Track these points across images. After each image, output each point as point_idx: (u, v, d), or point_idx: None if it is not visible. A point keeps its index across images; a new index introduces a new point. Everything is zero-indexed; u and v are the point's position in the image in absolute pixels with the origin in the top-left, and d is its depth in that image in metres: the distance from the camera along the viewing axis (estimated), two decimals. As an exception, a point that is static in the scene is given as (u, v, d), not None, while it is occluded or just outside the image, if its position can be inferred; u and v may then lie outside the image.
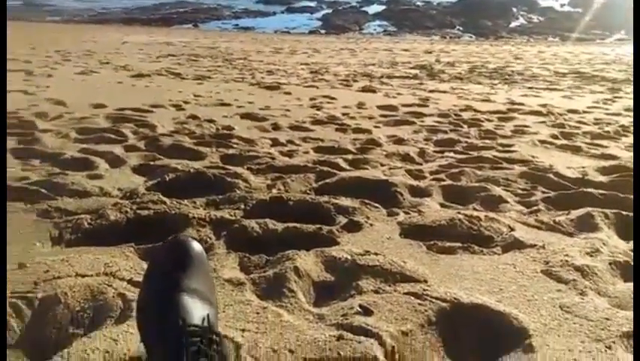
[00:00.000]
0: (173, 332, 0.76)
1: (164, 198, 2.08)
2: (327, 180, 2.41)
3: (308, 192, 2.30)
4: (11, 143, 3.09)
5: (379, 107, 4.93)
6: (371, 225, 1.88)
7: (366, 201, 2.13)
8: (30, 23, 21.81)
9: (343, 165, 2.78)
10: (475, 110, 4.86)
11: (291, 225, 1.81)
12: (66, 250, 1.61)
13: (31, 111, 4.15)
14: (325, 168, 2.63)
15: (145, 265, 1.49)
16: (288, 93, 5.72)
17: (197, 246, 0.94)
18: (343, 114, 4.51)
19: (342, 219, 1.92)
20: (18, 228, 1.78)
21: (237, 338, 1.09)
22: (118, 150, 3.00)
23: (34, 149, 2.95)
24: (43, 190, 2.15)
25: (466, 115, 4.61)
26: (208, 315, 0.81)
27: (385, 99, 5.50)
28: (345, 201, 2.09)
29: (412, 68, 9.24)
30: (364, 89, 6.24)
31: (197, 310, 0.82)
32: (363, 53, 12.51)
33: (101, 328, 1.16)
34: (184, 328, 0.76)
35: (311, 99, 5.30)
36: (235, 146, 3.21)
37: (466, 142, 3.52)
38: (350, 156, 2.99)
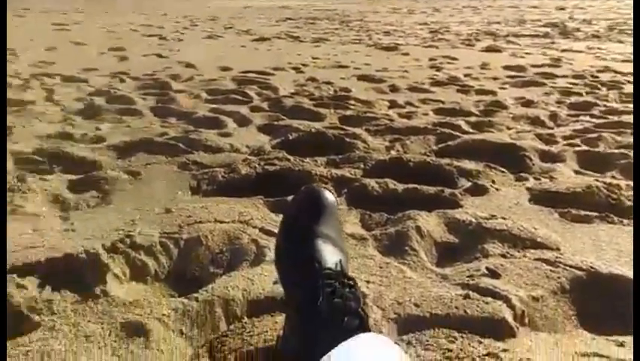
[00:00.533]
0: (310, 274, 0.80)
1: (288, 156, 2.17)
2: (449, 143, 2.35)
3: (428, 154, 2.26)
4: (150, 102, 3.38)
5: (505, 68, 4.64)
6: (497, 189, 1.81)
7: (491, 164, 2.04)
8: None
9: (465, 127, 2.68)
10: (615, 72, 4.39)
11: (411, 186, 1.80)
12: (204, 199, 1.75)
13: (166, 73, 4.49)
14: (446, 130, 2.55)
15: (274, 216, 1.58)
16: (406, 54, 5.58)
17: (329, 195, 0.98)
18: (465, 75, 4.31)
19: (465, 183, 1.87)
20: (161, 178, 1.96)
21: (362, 289, 1.12)
22: (244, 110, 3.15)
23: (170, 108, 3.20)
24: (181, 145, 2.34)
25: (604, 77, 4.18)
26: (341, 260, 0.85)
27: (512, 59, 5.16)
28: (468, 164, 2.03)
29: (541, 26, 8.53)
30: (488, 49, 5.90)
31: (330, 255, 0.85)
32: (486, 11, 11.77)
33: (238, 269, 1.25)
34: (320, 270, 0.80)
35: (430, 60, 5.13)
36: (352, 107, 3.22)
37: (605, 105, 3.20)
38: (473, 119, 2.87)
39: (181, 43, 6.47)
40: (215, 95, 3.59)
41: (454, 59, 5.20)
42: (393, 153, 2.25)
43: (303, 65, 4.92)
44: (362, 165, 2.03)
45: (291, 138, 2.47)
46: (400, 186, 1.80)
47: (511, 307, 1.07)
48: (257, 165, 2.04)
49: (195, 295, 1.10)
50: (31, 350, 0.92)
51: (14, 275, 1.14)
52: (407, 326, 1.01)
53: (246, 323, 1.03)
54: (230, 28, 8.29)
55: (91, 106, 3.16)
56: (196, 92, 3.68)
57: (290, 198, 1.71)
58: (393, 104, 3.33)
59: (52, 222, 1.53)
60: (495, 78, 4.20)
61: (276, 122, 2.86)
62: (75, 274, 1.19)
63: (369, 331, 0.71)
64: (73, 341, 0.95)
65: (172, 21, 9.20)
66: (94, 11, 11.00)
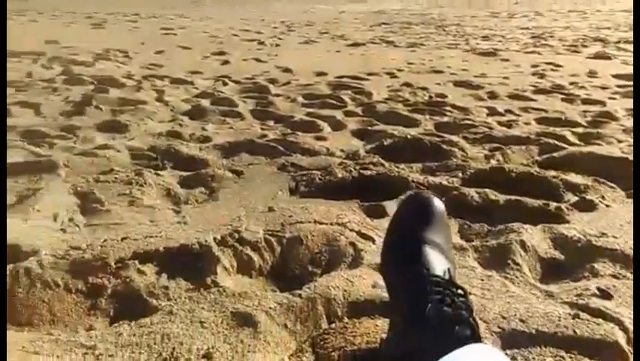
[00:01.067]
0: (418, 280, 0.81)
1: (383, 161, 2.18)
2: (554, 154, 2.24)
3: (531, 165, 2.17)
4: (251, 105, 3.53)
5: (615, 77, 4.34)
6: (607, 205, 1.70)
7: (600, 179, 1.93)
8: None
9: (571, 138, 2.55)
10: None
11: (513, 197, 1.74)
12: (302, 200, 1.80)
13: (265, 77, 4.66)
14: (550, 141, 2.44)
15: (369, 221, 1.60)
16: (506, 60, 5.38)
17: (438, 202, 0.97)
18: (571, 83, 4.08)
19: (572, 197, 1.78)
20: (263, 177, 2.05)
21: (464, 300, 1.11)
22: (339, 114, 3.21)
23: (269, 111, 3.33)
24: (280, 147, 2.42)
25: None
26: (449, 269, 0.85)
27: (623, 67, 4.81)
28: (575, 178, 1.92)
29: (658, 30, 7.85)
30: (596, 56, 5.54)
31: (439, 263, 0.85)
32: (595, 16, 11.04)
33: (337, 270, 1.29)
34: (428, 277, 0.81)
35: (532, 66, 4.91)
36: (449, 114, 3.17)
37: None
38: (579, 130, 2.71)
39: (278, 48, 6.68)
40: (311, 100, 3.68)
41: (559, 65, 4.94)
42: (493, 162, 2.18)
43: (398, 70, 4.91)
44: (460, 174, 1.99)
45: (385, 143, 2.48)
46: (502, 197, 1.75)
47: (624, 330, 1.01)
48: (352, 169, 2.07)
49: (298, 291, 1.14)
50: (152, 330, 1.00)
51: (135, 261, 1.25)
52: (512, 342, 0.99)
53: (347, 323, 1.06)
54: (326, 33, 8.43)
55: (197, 107, 3.36)
56: (293, 96, 3.80)
57: (385, 202, 1.74)
58: (492, 112, 3.23)
59: (166, 214, 1.66)
60: (604, 87, 3.94)
61: (370, 128, 2.88)
62: (188, 264, 1.28)
63: (481, 341, 0.71)
64: (189, 325, 1.02)
65: (270, 26, 9.52)
66: (197, 17, 11.64)
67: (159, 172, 2.02)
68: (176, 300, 1.15)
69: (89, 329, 1.10)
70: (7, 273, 1.15)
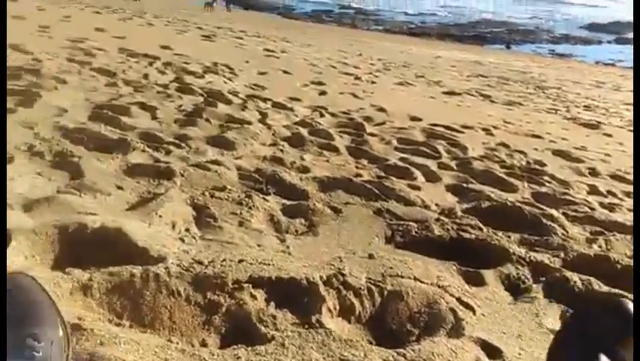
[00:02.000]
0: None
1: (481, 225, 2.17)
2: (662, 251, 2.14)
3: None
4: (346, 141, 3.63)
5: None
6: None
7: None
8: (354, 30, 24.83)
9: (681, 236, 2.42)
10: None
11: (619, 292, 1.68)
12: (399, 252, 1.83)
13: (360, 114, 4.77)
14: (658, 236, 2.33)
15: (469, 288, 1.60)
16: (609, 135, 5.19)
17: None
18: (680, 173, 3.87)
19: (683, 303, 1.69)
20: (359, 219, 2.10)
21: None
22: (433, 165, 3.23)
23: (363, 150, 3.40)
24: (375, 190, 2.47)
25: None
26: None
27: None
28: (686, 282, 1.83)
29: None
30: None
31: None
32: None
33: (437, 335, 1.30)
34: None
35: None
36: (547, 184, 3.10)
37: None
38: (690, 228, 2.57)
39: (374, 85, 6.82)
40: (405, 145, 3.72)
41: (667, 151, 4.69)
42: (595, 247, 2.12)
43: (494, 127, 4.86)
44: (562, 254, 1.95)
45: (483, 206, 2.47)
46: (605, 289, 1.69)
47: None
48: (450, 228, 2.08)
49: (403, 350, 1.17)
50: None
51: (250, 285, 1.33)
52: None
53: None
54: (422, 77, 8.50)
55: (297, 135, 3.49)
56: (387, 138, 3.86)
57: (484, 271, 1.73)
58: (593, 190, 3.12)
59: (272, 240, 1.74)
60: None
61: (465, 185, 2.88)
62: (295, 297, 1.34)
63: None
64: (300, 362, 1.08)
65: (367, 62, 9.73)
66: (299, 43, 12.09)
67: (265, 197, 2.12)
68: (284, 332, 1.20)
69: (202, 344, 1.18)
70: (139, 274, 1.26)
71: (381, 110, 5.14)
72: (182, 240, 1.61)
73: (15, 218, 1.49)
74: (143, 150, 2.51)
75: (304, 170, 2.70)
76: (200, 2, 23.56)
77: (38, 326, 0.83)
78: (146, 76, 4.77)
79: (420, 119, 4.79)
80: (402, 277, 1.54)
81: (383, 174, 2.88)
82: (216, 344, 1.19)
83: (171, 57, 6.30)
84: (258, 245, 1.67)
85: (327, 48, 11.83)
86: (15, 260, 1.30)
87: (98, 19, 9.35)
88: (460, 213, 2.34)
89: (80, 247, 1.40)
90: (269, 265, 1.43)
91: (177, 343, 1.13)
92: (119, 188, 1.99)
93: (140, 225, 1.62)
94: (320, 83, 6.27)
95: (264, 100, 4.64)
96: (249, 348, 1.11)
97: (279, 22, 24.31)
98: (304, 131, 3.62)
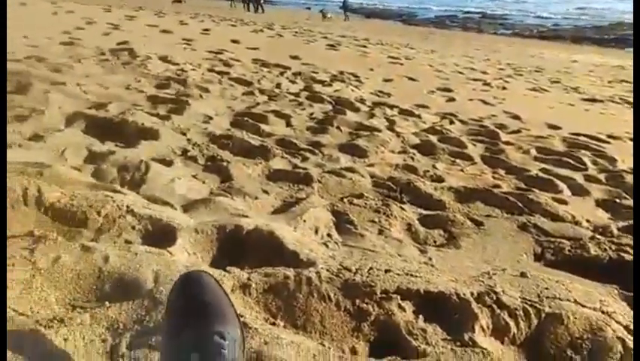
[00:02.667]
0: None
1: (643, 246, 1.94)
2: None
3: None
4: (480, 149, 3.48)
5: None
6: None
7: None
8: (480, 35, 23.86)
9: None
10: None
11: None
12: (552, 271, 1.70)
13: (492, 121, 4.55)
14: None
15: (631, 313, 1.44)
16: None
17: None
18: None
19: None
20: (503, 234, 1.99)
21: None
22: (579, 177, 2.97)
23: (500, 159, 3.23)
24: (519, 203, 2.33)
25: None
26: None
27: None
28: None
29: None
30: None
31: None
32: None
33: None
34: None
35: None
36: None
37: None
38: None
39: (505, 92, 6.48)
40: (546, 155, 3.47)
41: None
42: None
43: (648, 139, 4.36)
44: None
45: (643, 225, 2.21)
46: None
47: None
48: (608, 248, 1.89)
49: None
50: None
51: (398, 296, 1.31)
52: None
53: None
54: (557, 82, 7.92)
55: (426, 142, 3.42)
56: (525, 147, 3.63)
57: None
58: None
59: (412, 251, 1.71)
60: None
61: (617, 201, 2.61)
62: (445, 312, 1.29)
63: None
64: (458, 382, 1.03)
65: (495, 67, 9.30)
66: (422, 49, 11.91)
67: (402, 206, 2.09)
68: (434, 346, 1.17)
69: (352, 351, 1.18)
70: (292, 277, 1.29)
71: (515, 117, 4.87)
72: (326, 245, 1.64)
73: (178, 217, 1.62)
74: (282, 157, 2.61)
75: (438, 179, 2.63)
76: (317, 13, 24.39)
77: (223, 325, 0.88)
78: (278, 85, 4.98)
79: (559, 128, 4.46)
80: (560, 299, 1.41)
81: (524, 186, 2.72)
82: (365, 353, 1.18)
83: (300, 67, 6.53)
84: (400, 255, 1.64)
85: (453, 54, 11.51)
86: (180, 256, 1.40)
87: (233, 32, 10.00)
88: (616, 232, 2.12)
89: (237, 247, 1.47)
90: (416, 276, 1.39)
91: (329, 348, 1.14)
92: (265, 192, 2.08)
93: (287, 228, 1.68)
94: (447, 90, 6.10)
95: (391, 107, 4.62)
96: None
97: (402, 29, 24.17)
98: (434, 139, 3.53)
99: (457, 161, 3.10)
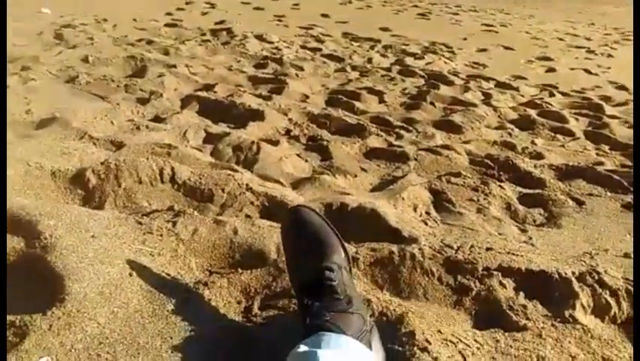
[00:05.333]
0: None
1: None
2: None
3: None
4: (582, 124, 3.35)
5: None
6: None
7: None
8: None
9: None
10: None
11: None
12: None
13: (596, 93, 4.32)
14: None
15: None
16: None
17: None
18: None
19: None
20: (606, 213, 1.96)
21: None
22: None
23: (604, 134, 3.10)
24: (624, 182, 2.25)
25: None
26: None
27: None
28: None
29: None
30: None
31: None
32: None
33: None
34: None
35: None
36: None
37: None
38: None
39: (611, 60, 6.06)
40: (656, 129, 3.27)
41: None
42: None
43: None
44: None
45: None
46: None
47: None
48: None
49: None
50: (527, 348, 1.11)
51: (499, 273, 1.37)
52: None
53: None
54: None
55: (525, 117, 3.34)
56: (631, 120, 3.44)
57: None
58: None
59: (512, 230, 1.75)
60: None
61: None
62: (546, 291, 1.35)
63: None
64: (560, 355, 1.10)
65: (600, 33, 8.65)
66: (519, 15, 11.29)
67: (501, 184, 2.11)
68: (535, 322, 1.23)
69: (450, 324, 1.28)
70: (397, 252, 1.41)
71: (622, 88, 4.58)
72: (426, 223, 1.73)
73: (289, 194, 1.78)
74: (378, 135, 2.70)
75: (538, 156, 2.60)
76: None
77: (329, 257, 1.08)
78: (369, 60, 5.02)
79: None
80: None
81: (630, 163, 2.61)
82: (468, 325, 1.27)
83: (390, 39, 6.50)
84: (500, 234, 1.70)
85: (553, 18, 10.80)
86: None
87: (321, 5, 10.06)
88: None
89: (344, 223, 1.60)
90: (517, 255, 1.45)
91: (440, 321, 1.24)
92: (363, 170, 2.20)
93: (388, 205, 1.78)
94: (546, 59, 5.82)
95: (487, 79, 4.52)
96: (507, 334, 1.16)
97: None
98: (533, 113, 3.44)
99: (558, 136, 3.02)
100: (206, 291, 1.19)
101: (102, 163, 1.70)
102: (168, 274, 1.24)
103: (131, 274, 1.16)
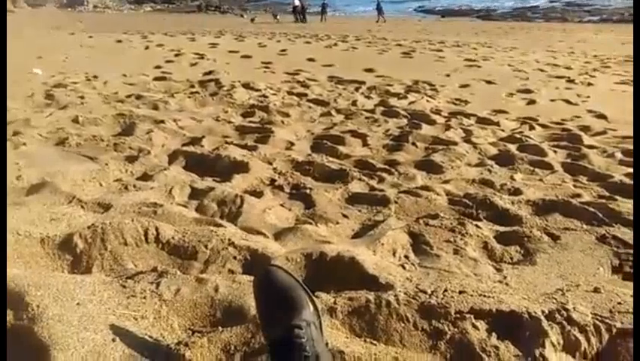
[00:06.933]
0: None
1: None
2: None
3: None
4: (560, 156, 3.44)
5: None
6: None
7: None
8: (564, 24, 22.60)
9: None
10: None
11: None
12: (626, 283, 1.73)
13: (576, 123, 4.44)
14: None
15: None
16: None
17: None
18: None
19: None
20: (580, 247, 2.02)
21: None
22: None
23: (582, 166, 3.19)
24: (599, 214, 2.33)
25: None
26: None
27: None
28: None
29: None
30: None
31: None
32: None
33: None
34: None
35: None
36: None
37: None
38: None
39: (591, 88, 6.23)
40: (632, 157, 3.36)
41: None
42: None
43: None
44: None
45: None
46: None
47: None
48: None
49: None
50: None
51: (471, 316, 1.43)
52: None
53: None
54: (650, 71, 7.45)
55: (505, 153, 3.44)
56: (609, 150, 3.54)
57: None
58: None
59: (488, 270, 1.81)
60: None
61: None
62: (516, 330, 1.40)
63: None
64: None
65: (580, 61, 8.90)
66: (501, 47, 11.61)
67: (478, 223, 2.18)
68: (507, 364, 1.28)
69: (430, 367, 1.32)
70: (373, 300, 1.46)
71: (601, 116, 4.72)
72: (404, 267, 1.79)
73: (271, 246, 1.84)
74: (360, 179, 2.78)
75: (516, 192, 2.67)
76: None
77: (298, 314, 1.14)
78: (354, 102, 5.17)
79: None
80: (632, 313, 1.47)
81: (607, 194, 2.69)
82: (443, 369, 1.32)
83: (375, 80, 6.68)
84: (475, 274, 1.75)
85: (534, 49, 11.12)
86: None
87: (308, 50, 10.36)
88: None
89: (322, 273, 1.67)
90: (489, 297, 1.50)
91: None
92: (345, 216, 2.27)
93: (367, 252, 1.85)
94: (527, 91, 5.99)
95: (468, 116, 4.65)
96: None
97: (479, 27, 23.55)
98: (513, 148, 3.55)
99: (537, 170, 3.11)
100: (188, 352, 1.24)
101: (89, 227, 1.77)
102: (151, 337, 1.29)
103: (114, 340, 1.21)
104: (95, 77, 6.02)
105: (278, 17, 26.21)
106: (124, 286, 1.45)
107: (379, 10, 26.51)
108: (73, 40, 11.67)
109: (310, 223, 2.14)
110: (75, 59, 7.82)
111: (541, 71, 7.67)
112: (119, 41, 11.13)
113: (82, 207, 2.08)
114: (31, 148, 2.96)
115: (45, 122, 3.60)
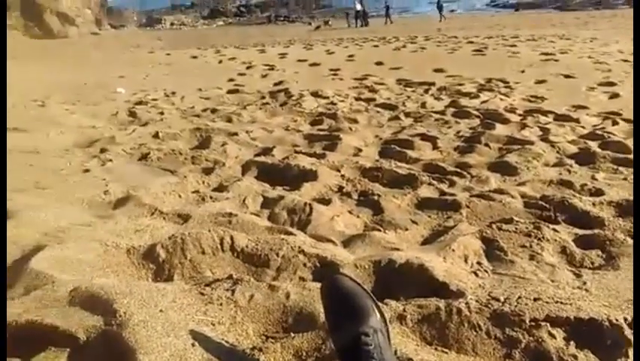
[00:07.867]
0: None
1: None
2: None
3: None
4: None
5: None
6: None
7: None
8: None
9: None
10: None
11: None
12: None
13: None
14: None
15: None
16: None
17: None
18: None
19: None
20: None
21: None
22: None
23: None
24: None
25: None
26: None
27: None
28: None
29: None
30: None
31: None
32: None
33: None
34: None
35: None
36: None
37: None
38: None
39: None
40: None
41: None
42: None
43: None
44: None
45: None
46: None
47: None
48: None
49: None
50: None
51: (547, 324, 1.38)
52: None
53: None
54: None
55: (585, 151, 3.26)
56: None
57: None
58: None
59: (566, 275, 1.73)
60: None
61: None
62: (597, 338, 1.33)
63: None
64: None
65: None
66: (581, 38, 11.00)
67: (555, 227, 2.09)
68: (587, 375, 1.22)
69: (504, 375, 1.29)
70: (443, 308, 1.45)
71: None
72: (476, 274, 1.75)
73: (340, 253, 1.87)
74: (429, 183, 2.74)
75: (597, 192, 2.53)
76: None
77: (365, 321, 1.15)
78: (423, 104, 5.10)
79: None
80: None
81: (701, 192, 2.48)
82: (519, 377, 1.28)
83: (445, 80, 6.57)
84: (552, 281, 1.69)
85: (617, 38, 10.43)
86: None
87: (376, 53, 10.35)
88: None
89: (390, 280, 1.67)
90: (566, 303, 1.44)
91: (482, 373, 1.27)
92: (414, 223, 2.25)
93: (437, 259, 1.83)
94: (610, 84, 5.64)
95: (545, 113, 4.46)
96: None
97: (556, 18, 22.45)
98: (594, 145, 3.36)
99: (620, 169, 2.92)
100: (262, 356, 1.29)
101: (170, 238, 1.88)
102: (227, 342, 1.35)
103: (194, 345, 1.29)
104: (173, 93, 6.36)
105: (330, 22, 26.74)
106: (202, 294, 1.53)
107: (440, 8, 26.04)
108: (151, 58, 12.39)
109: (379, 230, 2.15)
110: (154, 77, 8.31)
111: (625, 61, 7.19)
112: (194, 57, 11.68)
113: (163, 218, 2.22)
114: (116, 164, 3.19)
115: (128, 139, 3.86)
